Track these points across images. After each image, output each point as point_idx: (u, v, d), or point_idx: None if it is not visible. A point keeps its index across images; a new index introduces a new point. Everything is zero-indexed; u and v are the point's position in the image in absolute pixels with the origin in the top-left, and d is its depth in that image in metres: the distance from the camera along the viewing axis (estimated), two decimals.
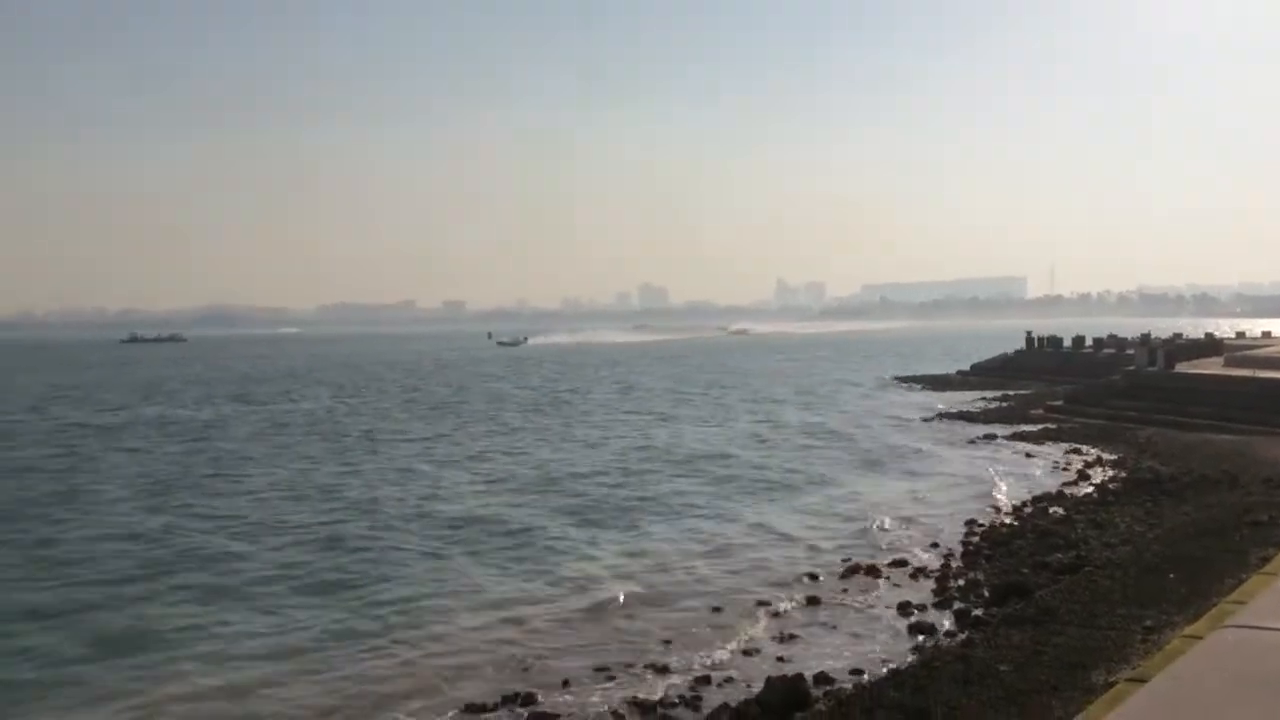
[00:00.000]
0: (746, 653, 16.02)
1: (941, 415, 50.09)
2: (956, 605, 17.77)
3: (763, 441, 42.38)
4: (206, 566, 21.72)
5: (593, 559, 22.16)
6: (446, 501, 29.09)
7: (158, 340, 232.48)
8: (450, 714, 13.94)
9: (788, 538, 23.93)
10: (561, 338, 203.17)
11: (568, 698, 14.33)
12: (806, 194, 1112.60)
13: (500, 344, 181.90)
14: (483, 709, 14.02)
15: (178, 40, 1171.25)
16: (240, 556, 22.58)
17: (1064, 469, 33.00)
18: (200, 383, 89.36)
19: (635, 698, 14.11)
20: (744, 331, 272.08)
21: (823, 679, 14.32)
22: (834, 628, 17.22)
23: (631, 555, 22.48)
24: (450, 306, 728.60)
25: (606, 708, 13.89)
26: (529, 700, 14.20)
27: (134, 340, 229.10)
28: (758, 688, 13.94)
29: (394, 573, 21.08)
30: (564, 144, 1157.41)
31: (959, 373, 78.58)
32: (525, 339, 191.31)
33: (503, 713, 13.92)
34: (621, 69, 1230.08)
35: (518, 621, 17.94)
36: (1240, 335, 79.80)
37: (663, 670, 15.20)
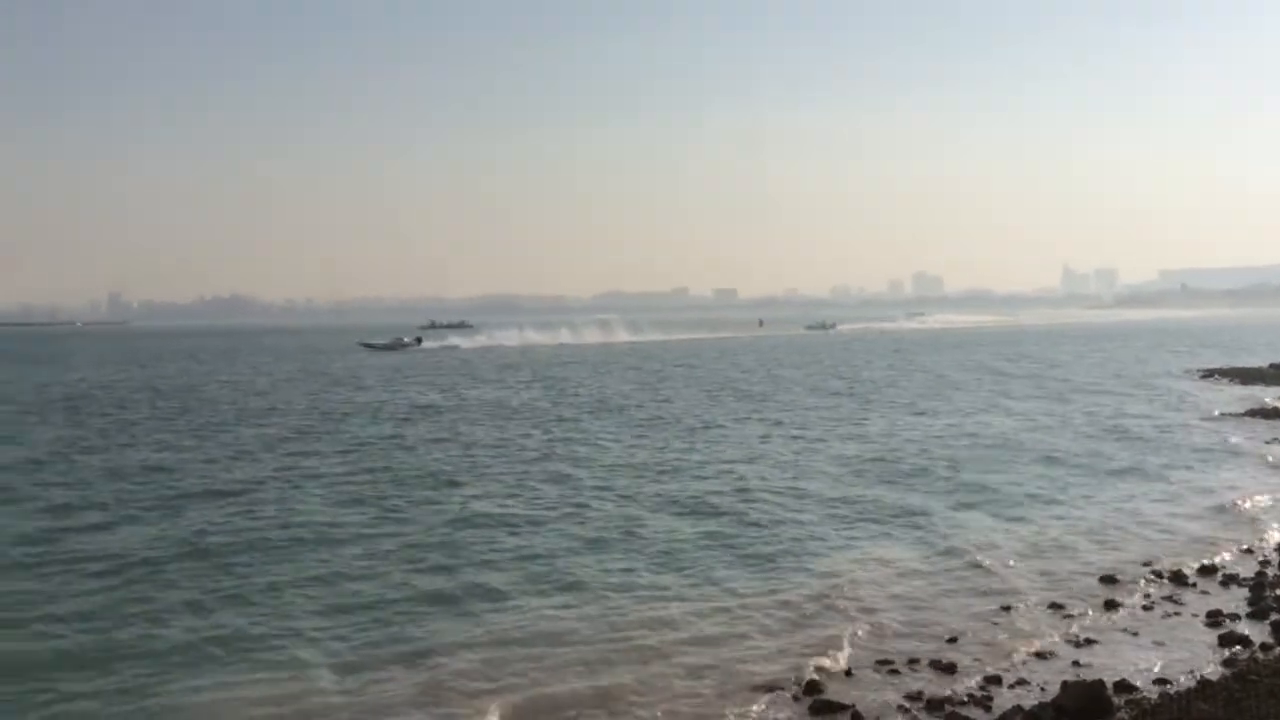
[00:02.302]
0: (1039, 655, 15.51)
1: (1253, 412, 46.32)
2: (1274, 616, 16.59)
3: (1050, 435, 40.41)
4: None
5: (882, 552, 21.90)
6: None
7: (449, 326, 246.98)
8: (739, 695, 14.24)
9: (1082, 538, 22.83)
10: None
11: (852, 689, 14.34)
12: (1095, 174, 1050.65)
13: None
14: (767, 691, 14.27)
15: (490, 46, 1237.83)
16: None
17: None
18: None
19: (921, 693, 13.98)
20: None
21: (1123, 687, 13.71)
22: (1135, 634, 16.39)
23: (921, 546, 22.13)
24: (722, 294, 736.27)
25: (892, 701, 13.82)
26: (812, 688, 14.30)
27: (432, 326, 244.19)
28: (1053, 692, 13.53)
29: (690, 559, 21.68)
30: (839, 136, 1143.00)
31: (1272, 366, 72.39)
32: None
33: (788, 697, 14.12)
34: (906, 64, 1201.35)
35: (794, 607, 18.07)
36: None
37: (949, 667, 14.94)
